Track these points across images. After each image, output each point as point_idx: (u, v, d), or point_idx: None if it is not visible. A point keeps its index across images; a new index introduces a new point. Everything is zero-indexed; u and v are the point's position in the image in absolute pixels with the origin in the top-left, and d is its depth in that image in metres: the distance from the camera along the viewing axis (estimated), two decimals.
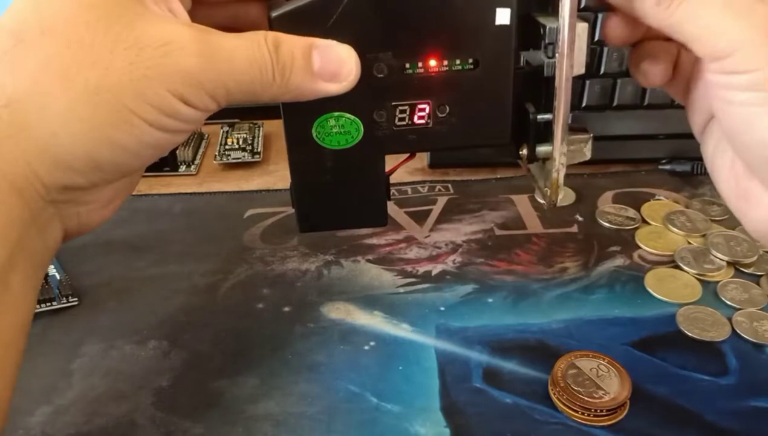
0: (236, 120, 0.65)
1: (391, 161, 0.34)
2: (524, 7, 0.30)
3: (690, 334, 0.39)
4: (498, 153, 0.33)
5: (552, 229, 0.50)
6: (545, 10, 0.30)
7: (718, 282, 0.44)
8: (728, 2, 0.27)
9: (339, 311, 0.42)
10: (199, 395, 0.36)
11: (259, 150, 0.60)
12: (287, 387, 0.37)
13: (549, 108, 0.31)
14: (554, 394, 0.35)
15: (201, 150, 0.61)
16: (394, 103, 0.31)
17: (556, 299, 0.43)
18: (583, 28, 0.29)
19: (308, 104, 0.29)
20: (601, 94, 0.55)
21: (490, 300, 0.43)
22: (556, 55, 0.29)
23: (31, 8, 0.25)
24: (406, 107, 0.31)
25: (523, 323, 0.41)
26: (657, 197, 0.53)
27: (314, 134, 0.31)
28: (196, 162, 0.59)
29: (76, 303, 0.43)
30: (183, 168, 0.58)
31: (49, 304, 0.42)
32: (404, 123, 0.31)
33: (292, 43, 0.27)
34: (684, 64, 0.32)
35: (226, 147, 0.60)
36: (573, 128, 0.31)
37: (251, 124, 0.64)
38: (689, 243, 0.47)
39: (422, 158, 0.58)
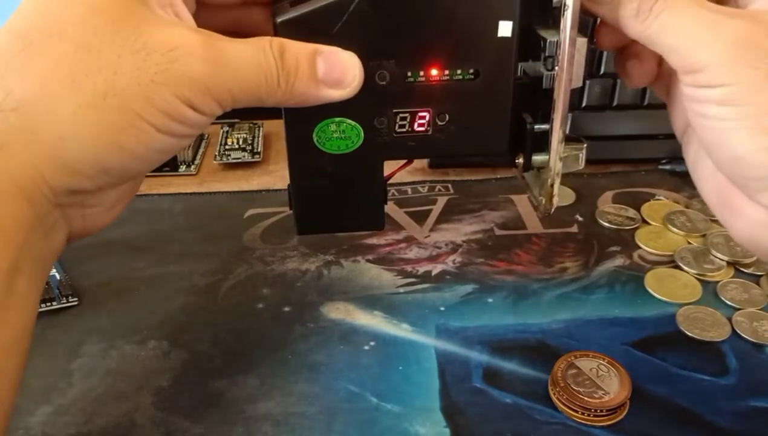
0: (236, 120, 0.65)
1: (389, 166, 0.34)
2: (525, 20, 0.30)
3: (690, 334, 0.40)
4: (494, 156, 0.34)
5: (552, 229, 0.50)
6: (546, 22, 0.30)
7: (718, 282, 0.44)
8: (701, 17, 0.27)
9: (339, 311, 0.42)
10: (199, 395, 0.36)
11: (259, 150, 0.60)
12: (287, 387, 0.37)
13: (546, 118, 0.31)
14: (554, 394, 0.35)
15: (201, 150, 0.61)
16: (395, 111, 0.31)
17: (556, 299, 0.43)
18: (582, 42, 0.29)
19: (310, 109, 0.29)
20: (601, 94, 0.55)
21: (490, 300, 0.43)
22: (556, 68, 0.30)
23: (39, 12, 0.25)
24: (406, 114, 0.31)
25: (523, 323, 0.41)
26: (657, 197, 0.53)
27: (315, 139, 0.31)
28: (196, 162, 0.59)
29: (76, 303, 0.43)
30: (183, 168, 0.58)
31: (49, 304, 0.42)
32: (404, 130, 0.32)
33: (297, 49, 0.27)
34: (667, 67, 0.32)
35: (226, 147, 0.60)
36: (569, 138, 0.32)
37: (251, 124, 0.64)
38: (689, 243, 0.48)
39: (423, 159, 0.58)
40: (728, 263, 0.45)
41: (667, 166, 0.56)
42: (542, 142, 0.32)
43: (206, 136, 0.64)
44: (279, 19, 0.29)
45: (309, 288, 0.44)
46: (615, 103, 0.55)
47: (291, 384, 0.37)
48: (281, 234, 0.49)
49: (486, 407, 0.35)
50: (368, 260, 0.46)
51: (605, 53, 0.53)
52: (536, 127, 0.32)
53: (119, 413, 0.35)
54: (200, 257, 0.47)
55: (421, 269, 0.46)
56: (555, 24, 0.29)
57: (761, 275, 0.44)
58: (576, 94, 0.55)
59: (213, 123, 0.28)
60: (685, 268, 0.45)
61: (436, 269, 0.46)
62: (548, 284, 0.44)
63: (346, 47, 0.29)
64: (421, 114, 0.32)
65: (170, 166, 0.58)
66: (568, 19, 0.28)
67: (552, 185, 0.32)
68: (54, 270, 0.45)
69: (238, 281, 0.45)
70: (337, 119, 0.31)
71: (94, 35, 0.25)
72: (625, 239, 0.48)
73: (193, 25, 0.28)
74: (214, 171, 0.59)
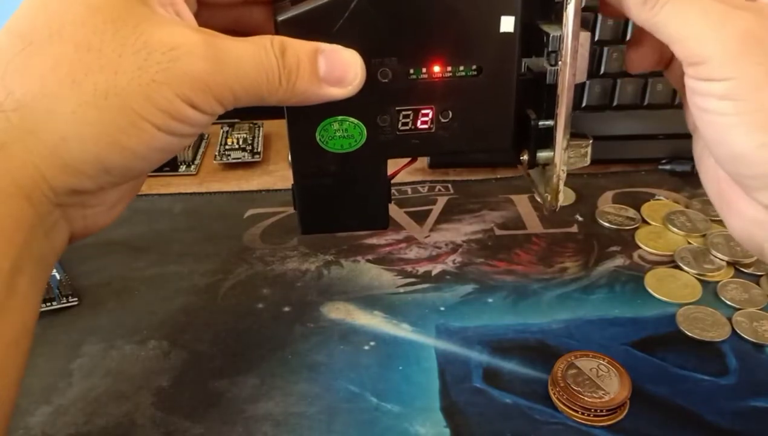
0: (236, 120, 0.65)
1: (392, 165, 0.34)
2: (528, 15, 0.30)
3: (690, 334, 0.39)
4: (498, 154, 0.34)
5: (552, 229, 0.50)
6: (548, 17, 0.30)
7: (718, 282, 0.44)
8: (708, 9, 0.27)
9: (339, 311, 0.42)
10: (199, 395, 0.36)
11: (259, 150, 0.60)
12: (287, 387, 0.37)
13: (550, 114, 0.31)
14: (554, 394, 0.35)
15: (201, 150, 0.61)
16: (397, 108, 0.31)
17: (556, 299, 0.43)
18: (585, 37, 0.29)
19: (312, 108, 0.29)
20: (601, 94, 0.55)
21: (490, 300, 0.43)
22: (559, 63, 0.29)
23: (40, 11, 0.25)
24: (409, 112, 0.31)
25: (523, 323, 0.41)
26: (657, 197, 0.53)
27: (318, 138, 0.31)
28: (196, 162, 0.59)
29: (76, 303, 0.43)
30: (183, 168, 0.58)
31: (49, 304, 0.42)
32: (407, 128, 0.32)
33: (298, 47, 0.27)
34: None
35: (226, 147, 0.60)
36: (573, 134, 0.32)
37: (251, 124, 0.64)
38: (689, 243, 0.48)
39: (422, 158, 0.58)
40: (728, 263, 0.45)
41: (667, 166, 0.56)
42: (547, 139, 0.32)
43: (206, 136, 0.64)
44: (280, 18, 0.29)
45: (309, 288, 0.44)
46: (615, 103, 0.55)
47: (291, 384, 0.37)
48: (281, 234, 0.49)
49: (486, 407, 0.35)
50: (368, 260, 0.46)
51: (605, 53, 0.53)
52: (540, 123, 0.31)
53: (119, 413, 0.35)
54: (200, 257, 0.47)
55: (421, 269, 0.46)
56: (557, 19, 0.29)
57: (761, 275, 0.44)
58: (576, 95, 0.55)
59: (213, 123, 0.28)
60: (685, 268, 0.45)
61: (436, 269, 0.46)
62: (548, 284, 0.44)
63: (347, 45, 0.29)
64: (424, 111, 0.31)
65: (170, 166, 0.58)
66: (570, 13, 0.28)
67: (558, 181, 0.32)
68: (54, 270, 0.44)
69: (238, 281, 0.45)
70: (340, 118, 0.31)
71: (94, 35, 0.25)
72: (625, 239, 0.48)
73: (194, 24, 0.28)
74: (214, 171, 0.59)
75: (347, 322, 0.41)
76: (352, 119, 0.31)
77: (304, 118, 0.31)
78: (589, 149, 0.33)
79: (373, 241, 0.48)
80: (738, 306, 0.42)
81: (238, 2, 0.32)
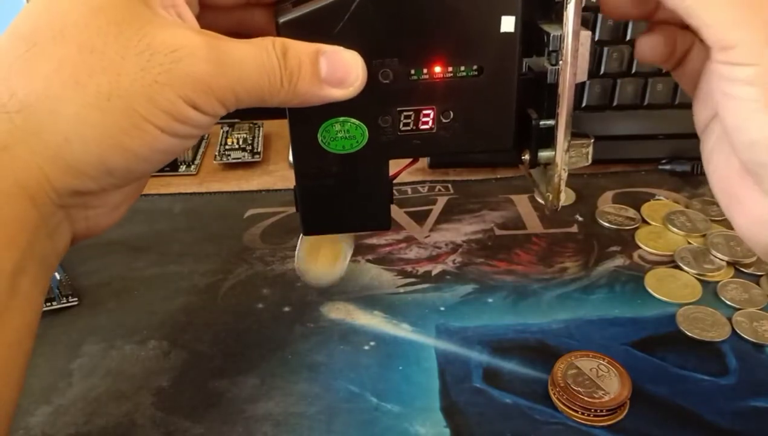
0: (236, 120, 0.65)
1: (394, 165, 0.34)
2: (528, 15, 0.30)
3: (690, 334, 0.40)
4: (499, 153, 0.34)
5: (552, 229, 0.50)
6: (549, 17, 0.30)
7: (718, 282, 0.44)
8: None
9: (339, 311, 0.42)
10: (199, 395, 0.36)
11: (259, 150, 0.60)
12: (287, 387, 0.37)
13: (551, 114, 0.31)
14: (554, 394, 0.35)
15: (201, 150, 0.61)
16: (399, 109, 0.31)
17: (556, 299, 0.43)
18: (586, 36, 0.29)
19: (314, 109, 0.29)
20: (601, 95, 0.55)
21: (490, 300, 0.43)
22: (560, 62, 0.29)
23: (43, 13, 0.25)
24: (410, 113, 0.31)
25: (523, 323, 0.41)
26: (657, 197, 0.53)
27: (319, 139, 0.31)
28: (196, 162, 0.59)
29: (76, 303, 0.43)
30: (183, 168, 0.58)
31: (49, 304, 0.42)
32: (409, 128, 0.32)
33: (300, 49, 0.28)
34: (695, 55, 0.32)
35: (226, 147, 0.60)
36: (575, 134, 0.32)
37: (251, 124, 0.64)
38: (689, 243, 0.48)
39: (422, 158, 0.58)
40: (728, 263, 0.45)
41: (667, 166, 0.56)
42: (548, 138, 0.32)
43: (206, 136, 0.63)
44: (281, 20, 0.29)
45: (309, 288, 0.44)
46: (615, 103, 0.55)
47: (291, 384, 0.37)
48: (281, 234, 0.49)
49: (486, 407, 0.35)
50: (368, 260, 0.46)
51: (605, 53, 0.53)
52: (542, 122, 0.32)
53: (119, 413, 0.35)
54: (200, 257, 0.47)
55: (421, 269, 0.46)
56: (558, 18, 0.29)
57: (761, 275, 0.44)
58: (576, 95, 0.55)
59: None
60: (685, 268, 0.45)
61: (436, 269, 0.46)
62: (548, 284, 0.44)
63: (348, 46, 0.29)
64: (425, 112, 0.31)
65: (170, 166, 0.58)
66: (570, 13, 0.28)
67: (559, 181, 0.32)
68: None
69: (238, 281, 0.45)
70: (342, 119, 0.31)
71: (97, 36, 0.25)
72: (625, 239, 0.48)
73: (196, 26, 0.28)
74: (214, 171, 0.59)
75: (347, 322, 0.41)
76: (353, 120, 0.31)
77: (306, 120, 0.31)
78: (591, 149, 0.33)
79: (373, 241, 0.48)
80: (738, 306, 0.42)
81: (240, 4, 0.32)
